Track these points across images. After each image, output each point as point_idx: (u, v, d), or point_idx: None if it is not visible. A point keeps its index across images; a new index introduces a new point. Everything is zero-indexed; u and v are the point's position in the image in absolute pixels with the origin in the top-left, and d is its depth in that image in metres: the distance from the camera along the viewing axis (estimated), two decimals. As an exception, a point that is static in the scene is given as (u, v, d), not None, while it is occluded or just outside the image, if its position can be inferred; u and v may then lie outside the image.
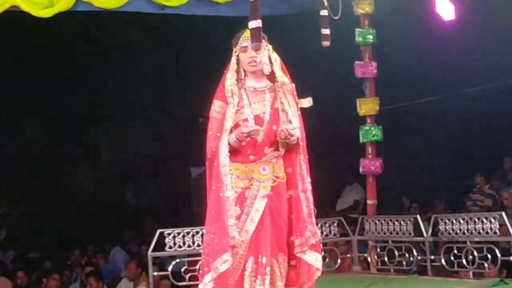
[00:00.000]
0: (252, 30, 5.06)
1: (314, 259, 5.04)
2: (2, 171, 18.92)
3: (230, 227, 4.85)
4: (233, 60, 5.14)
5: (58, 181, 19.10)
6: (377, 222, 8.71)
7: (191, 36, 11.72)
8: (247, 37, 5.08)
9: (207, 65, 8.17)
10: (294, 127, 5.00)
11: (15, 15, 7.03)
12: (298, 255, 5.04)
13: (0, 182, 20.27)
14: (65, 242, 14.53)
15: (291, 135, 4.97)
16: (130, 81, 14.00)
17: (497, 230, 7.42)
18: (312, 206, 5.07)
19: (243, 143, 4.98)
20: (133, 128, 17.31)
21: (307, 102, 5.16)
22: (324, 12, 7.90)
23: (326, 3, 7.93)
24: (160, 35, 11.89)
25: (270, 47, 5.16)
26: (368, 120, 9.01)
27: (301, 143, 5.06)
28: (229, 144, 4.95)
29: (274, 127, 5.04)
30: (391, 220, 8.55)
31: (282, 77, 5.10)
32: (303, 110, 5.16)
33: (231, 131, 4.98)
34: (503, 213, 7.62)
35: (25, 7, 6.96)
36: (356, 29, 8.92)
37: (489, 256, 7.50)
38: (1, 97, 14.40)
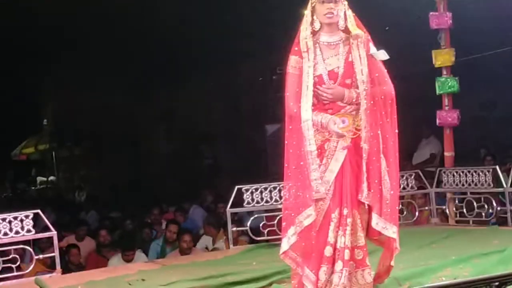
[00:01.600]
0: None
1: (375, 223, 4.99)
2: (82, 134, 19.38)
3: (314, 181, 4.88)
4: (307, 12, 5.12)
5: (137, 142, 19.46)
6: (455, 174, 8.66)
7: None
8: None
9: (282, 21, 8.15)
10: (329, 87, 4.97)
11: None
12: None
13: (81, 145, 20.81)
14: (144, 201, 14.76)
15: (327, 96, 4.98)
16: (205, 41, 14.04)
17: None
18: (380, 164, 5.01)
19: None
20: (207, 87, 17.44)
21: (382, 55, 5.08)
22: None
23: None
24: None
25: (346, 3, 5.13)
26: (444, 72, 8.94)
27: (364, 98, 4.97)
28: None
29: (348, 81, 5.03)
30: (469, 172, 8.50)
31: (356, 30, 5.08)
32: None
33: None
34: None
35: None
36: (430, -21, 8.83)
37: None
38: (79, 64, 14.66)
